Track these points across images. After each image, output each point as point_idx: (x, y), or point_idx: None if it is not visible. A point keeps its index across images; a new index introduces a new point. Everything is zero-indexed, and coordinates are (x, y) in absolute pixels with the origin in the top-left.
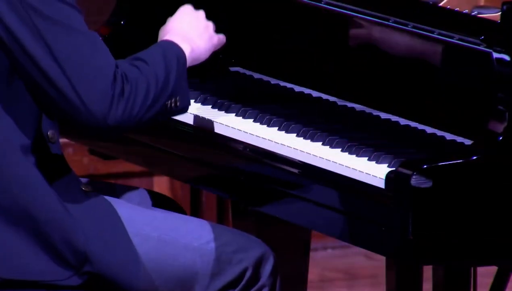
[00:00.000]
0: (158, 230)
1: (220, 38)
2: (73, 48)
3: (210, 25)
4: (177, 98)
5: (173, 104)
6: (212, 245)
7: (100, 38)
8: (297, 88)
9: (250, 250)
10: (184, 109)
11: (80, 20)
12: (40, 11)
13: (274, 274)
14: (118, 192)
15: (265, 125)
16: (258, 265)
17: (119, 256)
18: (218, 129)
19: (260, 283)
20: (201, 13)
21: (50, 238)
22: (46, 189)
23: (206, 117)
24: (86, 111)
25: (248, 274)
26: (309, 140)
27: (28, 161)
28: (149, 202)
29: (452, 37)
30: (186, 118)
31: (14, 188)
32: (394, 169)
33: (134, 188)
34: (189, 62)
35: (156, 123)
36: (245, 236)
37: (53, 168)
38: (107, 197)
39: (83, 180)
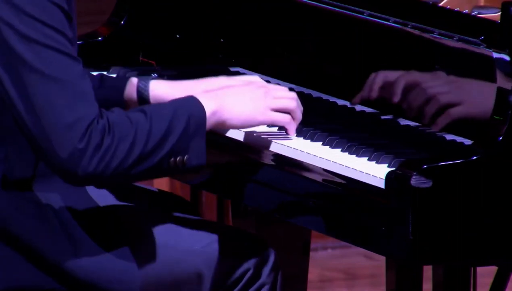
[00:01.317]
0: (160, 235)
1: (279, 118)
2: (48, 98)
3: (265, 100)
4: (185, 158)
5: (178, 163)
6: (214, 246)
7: (84, 78)
8: (297, 88)
9: (251, 248)
10: (194, 169)
11: (63, 66)
12: (24, 60)
13: (275, 271)
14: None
15: (265, 125)
16: (259, 263)
17: (121, 265)
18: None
19: (261, 281)
20: (262, 87)
21: (40, 255)
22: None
23: None
24: (58, 161)
25: (249, 273)
26: (309, 140)
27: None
28: (160, 204)
29: (452, 37)
30: None
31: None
32: (394, 169)
33: (145, 191)
34: (213, 122)
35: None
36: (246, 234)
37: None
38: (111, 203)
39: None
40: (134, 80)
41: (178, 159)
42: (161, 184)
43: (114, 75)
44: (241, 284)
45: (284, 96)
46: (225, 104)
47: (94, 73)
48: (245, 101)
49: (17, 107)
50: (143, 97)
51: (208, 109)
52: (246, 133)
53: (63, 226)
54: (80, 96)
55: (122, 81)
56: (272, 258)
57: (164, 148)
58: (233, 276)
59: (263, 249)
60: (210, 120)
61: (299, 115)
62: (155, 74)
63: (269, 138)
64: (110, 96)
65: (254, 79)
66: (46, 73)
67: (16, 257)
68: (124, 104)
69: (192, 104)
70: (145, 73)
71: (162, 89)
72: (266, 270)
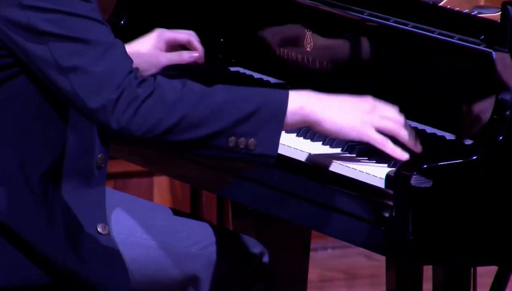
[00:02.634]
0: (157, 238)
1: (377, 137)
2: (77, 58)
3: (367, 109)
4: (250, 140)
5: (240, 144)
6: (211, 249)
7: (116, 42)
8: (297, 88)
9: (247, 251)
10: (261, 157)
11: (91, 29)
12: (50, 32)
13: (270, 272)
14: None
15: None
16: (255, 265)
17: (118, 271)
18: None
19: (257, 282)
20: (371, 102)
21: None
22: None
23: None
24: (92, 115)
25: (246, 275)
26: (309, 140)
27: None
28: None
29: (452, 37)
30: None
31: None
32: (394, 168)
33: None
34: (300, 118)
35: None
36: (242, 237)
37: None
38: (109, 204)
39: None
40: None
41: (240, 139)
42: (161, 183)
43: None
44: (238, 286)
45: (392, 118)
46: (319, 104)
47: None
48: (346, 109)
49: (50, 77)
50: None
51: (294, 103)
52: None
53: (67, 228)
54: (109, 53)
55: None
56: (267, 259)
57: (217, 122)
58: (229, 279)
59: (259, 251)
60: (295, 115)
61: (403, 139)
62: None
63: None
64: None
65: (366, 97)
66: (72, 36)
67: (18, 256)
68: None
69: (276, 93)
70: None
71: None
72: (263, 272)
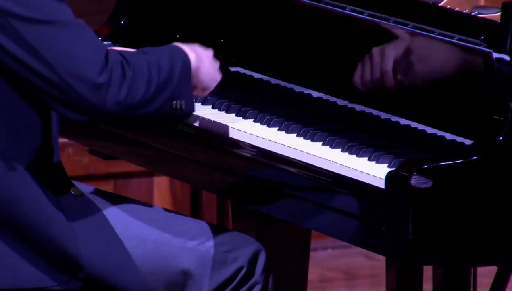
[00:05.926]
0: (154, 231)
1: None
2: (55, 42)
3: (217, 66)
4: (182, 101)
5: (178, 106)
6: (207, 245)
7: (83, 25)
8: (297, 89)
9: (243, 248)
10: (188, 114)
11: (57, 10)
12: (17, 14)
13: (266, 270)
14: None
15: (265, 126)
16: (251, 263)
17: (114, 259)
18: (218, 129)
19: (253, 280)
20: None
21: (41, 243)
22: (38, 194)
23: (206, 117)
24: (85, 99)
25: (242, 272)
26: (309, 140)
27: (24, 170)
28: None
29: (452, 37)
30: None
31: (5, 194)
32: (394, 169)
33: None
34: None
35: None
36: (238, 234)
37: (48, 173)
38: (102, 200)
39: (82, 185)
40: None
41: (177, 102)
42: (161, 183)
43: None
44: (233, 282)
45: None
46: (201, 63)
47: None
48: (213, 65)
49: (29, 64)
50: None
51: (193, 63)
52: (246, 134)
53: (57, 200)
54: (83, 34)
55: None
56: (263, 257)
57: (171, 83)
58: (225, 275)
59: (255, 249)
60: (193, 74)
61: None
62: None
63: (269, 138)
64: None
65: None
66: (40, 19)
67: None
68: None
69: (182, 52)
70: None
71: None
72: (259, 269)
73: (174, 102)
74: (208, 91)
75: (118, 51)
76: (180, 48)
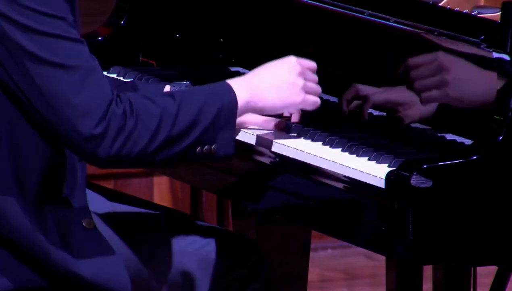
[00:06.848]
0: (153, 236)
1: (311, 101)
2: (56, 86)
3: (300, 83)
4: (212, 147)
5: (205, 152)
6: (207, 249)
7: (95, 68)
8: None
9: (244, 252)
10: (222, 158)
11: (73, 53)
12: (30, 52)
13: (266, 274)
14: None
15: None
16: (251, 266)
17: (113, 269)
18: None
19: (253, 284)
20: (297, 68)
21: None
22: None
23: None
24: (77, 146)
25: (242, 275)
26: (310, 140)
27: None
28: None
29: (452, 37)
30: None
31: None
32: (394, 168)
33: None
34: (246, 111)
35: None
36: (239, 237)
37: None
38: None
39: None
40: (167, 87)
41: (205, 148)
42: (161, 183)
43: (114, 75)
44: (234, 286)
45: (314, 79)
46: (259, 92)
47: (127, 80)
48: (282, 88)
49: (30, 100)
50: None
51: (241, 99)
52: (247, 134)
53: (59, 229)
54: (90, 80)
55: (157, 89)
56: (264, 261)
57: (190, 136)
58: (226, 279)
59: (255, 252)
60: (242, 111)
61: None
62: (187, 82)
63: (269, 138)
64: None
65: (289, 67)
66: (50, 61)
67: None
68: None
69: (225, 93)
70: (175, 79)
71: None
72: (259, 272)
73: (201, 147)
74: (283, 111)
75: (123, 100)
76: (228, 86)
